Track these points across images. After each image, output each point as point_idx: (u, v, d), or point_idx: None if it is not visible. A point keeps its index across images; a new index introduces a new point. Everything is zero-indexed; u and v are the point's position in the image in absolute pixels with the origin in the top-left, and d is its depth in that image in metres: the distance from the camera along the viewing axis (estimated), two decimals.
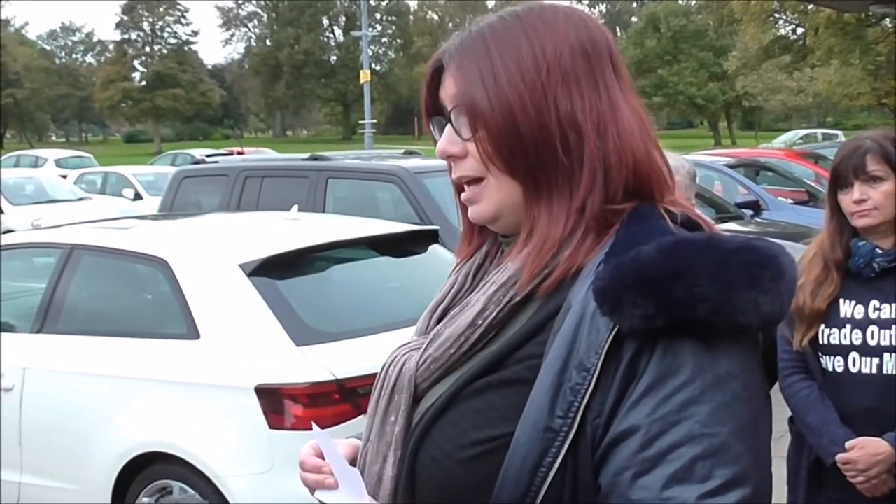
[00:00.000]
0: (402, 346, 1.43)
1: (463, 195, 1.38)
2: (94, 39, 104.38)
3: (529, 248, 1.30)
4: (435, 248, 5.40)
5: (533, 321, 1.29)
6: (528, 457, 1.20)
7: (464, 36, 1.37)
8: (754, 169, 14.27)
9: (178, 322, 4.52)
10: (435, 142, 1.41)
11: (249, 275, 4.44)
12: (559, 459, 1.19)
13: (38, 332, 5.01)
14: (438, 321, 1.41)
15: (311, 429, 4.16)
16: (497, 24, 1.34)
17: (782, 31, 41.73)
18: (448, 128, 1.36)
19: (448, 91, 1.35)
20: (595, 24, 1.37)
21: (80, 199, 18.72)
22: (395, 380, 1.38)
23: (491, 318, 1.31)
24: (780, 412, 2.89)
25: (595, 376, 1.18)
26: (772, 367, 2.95)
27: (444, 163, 1.41)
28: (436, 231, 5.57)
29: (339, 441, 1.50)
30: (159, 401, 4.44)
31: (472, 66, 1.32)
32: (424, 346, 1.37)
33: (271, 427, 4.09)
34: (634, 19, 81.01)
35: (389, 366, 1.41)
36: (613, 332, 1.18)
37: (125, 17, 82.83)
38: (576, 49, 1.31)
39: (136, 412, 4.47)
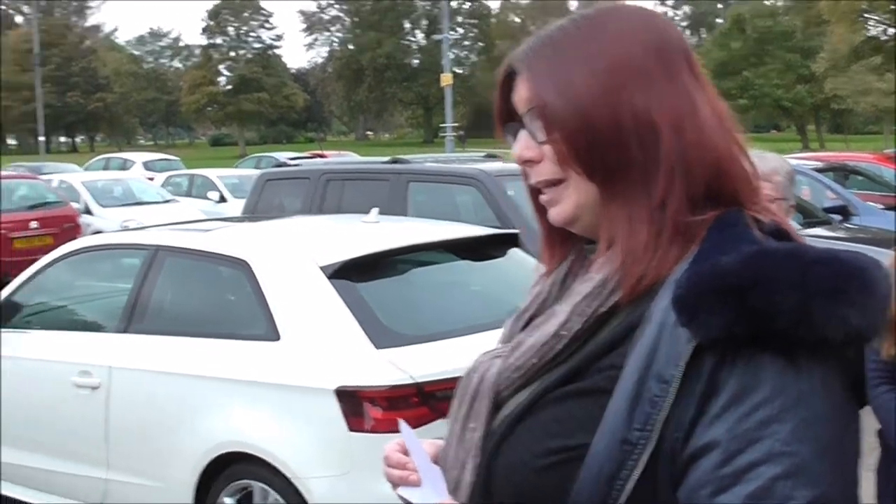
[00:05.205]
0: (485, 353, 1.42)
1: (542, 198, 1.36)
2: (181, 44, 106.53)
3: (620, 256, 1.28)
4: (515, 252, 5.37)
5: (615, 331, 1.27)
6: (604, 469, 1.19)
7: (534, 40, 1.36)
8: (843, 173, 13.99)
9: (259, 323, 4.56)
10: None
11: (330, 277, 4.47)
12: (636, 472, 1.17)
13: (124, 331, 5.10)
14: (522, 329, 1.40)
15: (389, 431, 4.15)
16: (567, 26, 1.33)
17: (872, 32, 40.84)
18: (523, 133, 1.35)
19: (521, 95, 1.34)
20: (668, 24, 1.35)
21: (167, 201, 19.04)
22: (477, 387, 1.37)
23: (575, 328, 1.30)
24: (871, 424, 2.82)
25: (674, 388, 1.16)
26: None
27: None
28: (516, 234, 5.54)
29: (423, 441, 1.50)
30: (240, 401, 4.48)
31: (544, 68, 1.31)
32: (507, 354, 1.36)
33: (350, 429, 4.10)
34: (719, 20, 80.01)
35: (472, 372, 1.40)
36: (693, 344, 1.15)
37: (211, 22, 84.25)
38: (648, 48, 1.29)
39: (217, 412, 4.53)
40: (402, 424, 1.49)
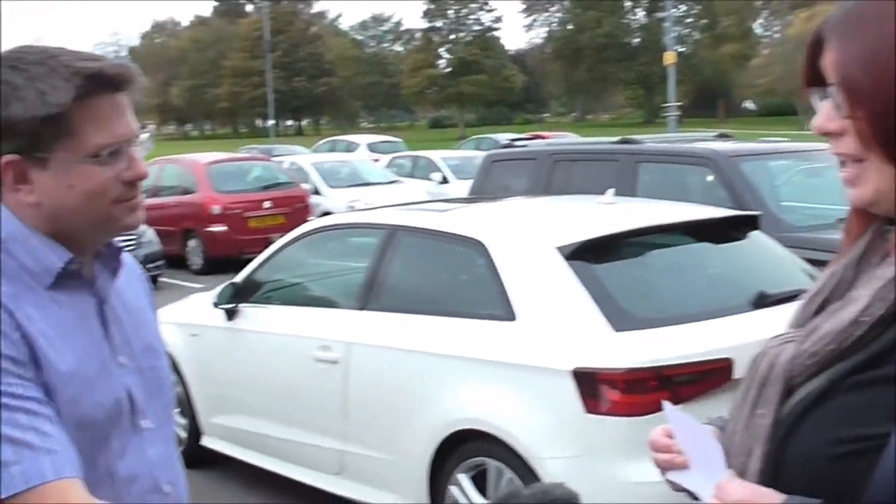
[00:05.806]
0: (774, 337, 1.36)
1: (842, 174, 1.29)
2: (402, 28, 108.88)
3: None
4: (755, 235, 5.19)
5: None
6: None
7: (845, 8, 1.28)
8: None
9: (495, 303, 4.58)
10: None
11: (567, 258, 4.43)
12: None
13: (362, 308, 5.23)
14: (816, 313, 1.33)
15: (626, 414, 4.04)
16: None
17: None
18: (826, 103, 1.28)
19: (828, 63, 1.28)
20: None
21: (392, 182, 19.45)
22: (767, 372, 1.32)
23: (877, 314, 1.23)
24: None
25: None
26: None
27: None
28: (756, 217, 5.35)
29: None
30: (476, 379, 4.52)
31: (851, 42, 1.24)
32: (801, 339, 1.30)
33: (587, 411, 4.07)
34: None
35: (760, 357, 1.35)
36: None
37: (432, 6, 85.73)
38: None
39: (453, 389, 4.58)
40: (667, 405, 1.46)
